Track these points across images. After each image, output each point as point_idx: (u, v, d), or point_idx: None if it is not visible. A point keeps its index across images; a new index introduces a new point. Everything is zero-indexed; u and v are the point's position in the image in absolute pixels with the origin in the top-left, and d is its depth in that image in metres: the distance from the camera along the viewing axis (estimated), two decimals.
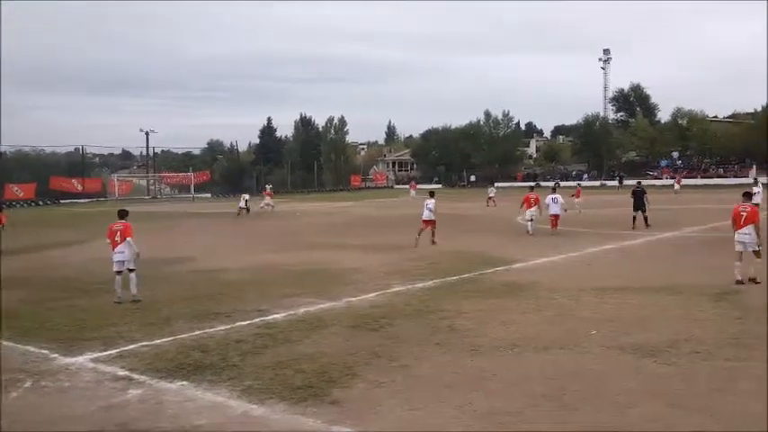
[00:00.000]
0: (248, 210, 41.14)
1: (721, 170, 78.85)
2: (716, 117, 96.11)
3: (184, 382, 7.58)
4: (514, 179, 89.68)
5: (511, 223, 29.32)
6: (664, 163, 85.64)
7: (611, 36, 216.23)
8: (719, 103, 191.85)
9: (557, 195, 24.75)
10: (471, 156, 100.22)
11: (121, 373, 8.07)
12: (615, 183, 73.81)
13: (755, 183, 35.12)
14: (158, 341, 9.55)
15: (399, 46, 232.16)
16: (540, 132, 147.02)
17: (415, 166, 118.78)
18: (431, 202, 21.68)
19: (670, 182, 60.72)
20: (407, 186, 67.44)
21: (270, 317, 10.96)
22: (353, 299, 12.46)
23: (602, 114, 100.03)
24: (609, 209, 35.75)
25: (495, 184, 48.30)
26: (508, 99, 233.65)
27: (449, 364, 8.08)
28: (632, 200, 25.42)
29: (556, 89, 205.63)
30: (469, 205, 44.49)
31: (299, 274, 15.94)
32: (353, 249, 20.74)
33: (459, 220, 32.36)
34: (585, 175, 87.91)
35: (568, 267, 16.15)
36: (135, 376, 7.90)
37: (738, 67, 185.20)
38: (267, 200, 44.55)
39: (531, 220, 23.97)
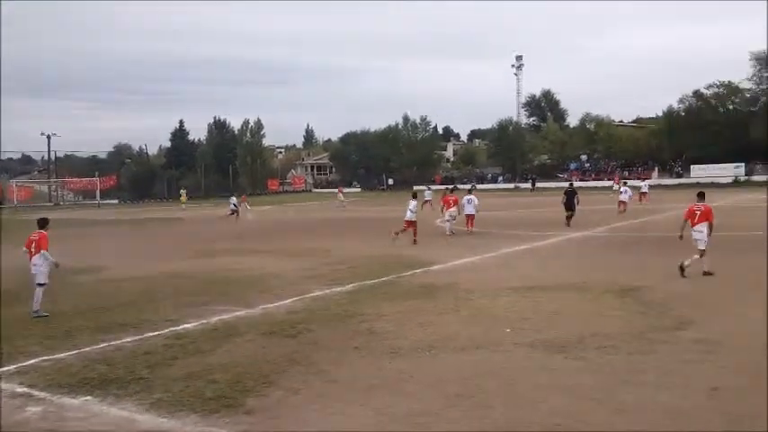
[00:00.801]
0: (237, 213, 40.48)
1: (626, 172, 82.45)
2: (621, 122, 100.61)
3: (88, 398, 7.22)
4: (433, 182, 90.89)
5: (430, 226, 29.67)
6: (573, 166, 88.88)
7: (525, 42, 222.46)
8: (624, 109, 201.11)
9: (472, 197, 25.90)
10: (390, 159, 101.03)
11: (20, 389, 7.61)
12: (528, 185, 76.19)
13: (624, 183, 37.07)
14: (61, 355, 9.07)
15: (317, 49, 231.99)
16: (458, 136, 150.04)
17: (333, 169, 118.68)
18: (413, 204, 22.62)
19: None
20: (335, 190, 67.32)
21: (180, 327, 10.58)
22: (270, 305, 12.22)
23: (515, 119, 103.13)
24: (523, 210, 36.75)
25: (431, 188, 49.07)
26: (426, 103, 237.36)
27: (367, 368, 8.06)
28: (564, 200, 26.84)
29: (472, 94, 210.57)
30: (390, 208, 44.73)
31: (212, 281, 15.54)
32: (270, 255, 20.48)
33: (380, 224, 32.48)
34: (501, 178, 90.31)
35: (485, 268, 16.46)
36: (35, 393, 7.47)
37: (642, 74, 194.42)
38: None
39: (449, 220, 24.92)
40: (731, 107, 79.26)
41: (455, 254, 18.73)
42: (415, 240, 22.01)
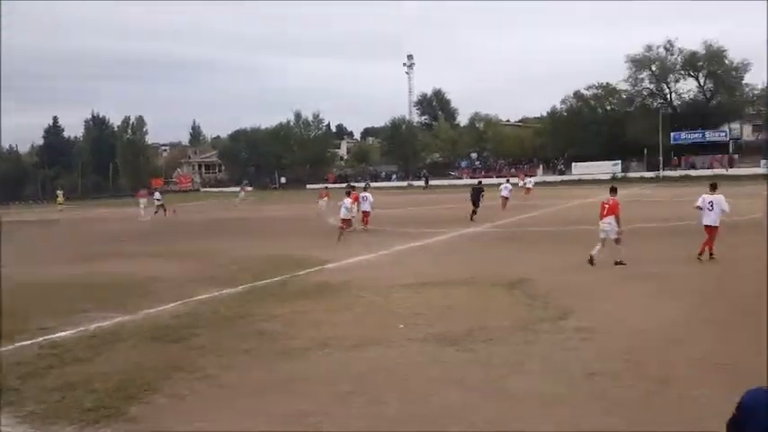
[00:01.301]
0: (165, 209, 39.81)
1: (513, 170, 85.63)
2: (508, 121, 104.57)
3: None
4: (326, 180, 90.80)
5: (324, 224, 29.64)
6: (464, 164, 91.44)
7: (417, 42, 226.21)
8: (511, 108, 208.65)
9: (367, 194, 26.69)
10: (282, 157, 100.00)
11: None
12: (422, 183, 77.59)
13: (507, 181, 38.72)
14: None
15: (207, 44, 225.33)
16: (351, 134, 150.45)
17: (223, 167, 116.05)
18: (347, 201, 23.01)
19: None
20: (226, 189, 65.96)
21: (56, 335, 9.95)
22: (153, 310, 11.71)
23: (408, 117, 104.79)
24: (416, 207, 37.35)
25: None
26: (319, 101, 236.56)
27: (257, 371, 7.93)
28: (471, 196, 28.64)
29: (365, 92, 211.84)
30: (284, 207, 44.29)
31: (90, 286, 14.70)
32: (154, 257, 19.75)
33: (273, 223, 32.14)
34: (394, 176, 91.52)
35: (378, 265, 16.60)
36: None
37: (528, 76, 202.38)
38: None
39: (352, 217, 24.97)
40: (609, 108, 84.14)
41: (349, 252, 18.79)
42: (339, 237, 21.97)
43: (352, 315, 10.78)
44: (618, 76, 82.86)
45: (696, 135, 73.58)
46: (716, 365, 7.28)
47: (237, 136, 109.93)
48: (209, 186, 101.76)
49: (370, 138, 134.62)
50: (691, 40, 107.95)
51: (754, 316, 9.41)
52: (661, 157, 70.00)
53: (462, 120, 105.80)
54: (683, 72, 79.10)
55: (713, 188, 15.53)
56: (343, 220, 22.81)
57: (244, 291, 13.36)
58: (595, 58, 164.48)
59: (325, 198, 37.81)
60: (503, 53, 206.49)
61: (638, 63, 79.25)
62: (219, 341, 9.36)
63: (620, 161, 74.13)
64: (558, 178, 74.01)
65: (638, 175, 70.09)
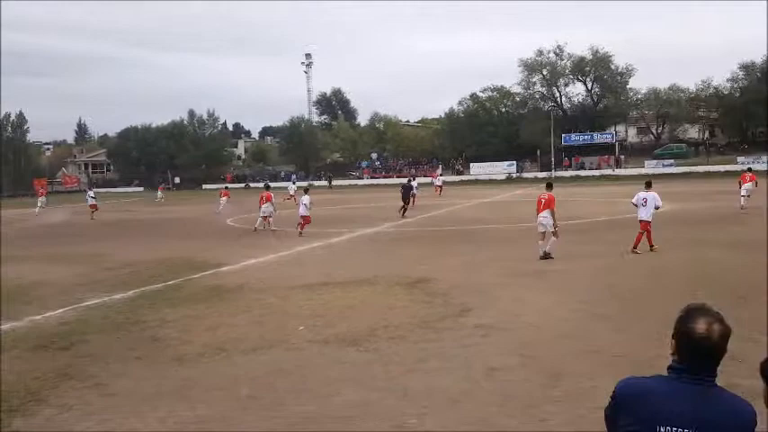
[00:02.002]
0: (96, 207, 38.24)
1: (413, 170, 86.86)
2: (408, 122, 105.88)
3: None
4: (223, 180, 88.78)
5: (221, 225, 28.96)
6: (364, 164, 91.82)
7: (315, 40, 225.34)
8: (410, 109, 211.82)
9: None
10: (176, 156, 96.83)
11: None
12: (325, 183, 77.22)
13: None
14: None
15: (96, 39, 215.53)
16: (249, 133, 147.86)
17: (111, 167, 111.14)
18: (306, 199, 23.45)
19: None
20: (114, 190, 63.91)
21: None
22: (38, 317, 11.02)
23: (307, 117, 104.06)
24: (318, 208, 36.96)
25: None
26: (215, 99, 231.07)
27: (150, 378, 7.57)
28: (401, 193, 30.17)
29: (263, 91, 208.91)
30: (180, 209, 42.89)
31: None
32: (38, 261, 18.56)
33: (167, 225, 31.04)
34: (294, 176, 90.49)
35: (278, 267, 16.29)
36: None
37: (426, 77, 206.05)
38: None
39: (264, 215, 25.31)
40: (504, 110, 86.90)
41: (246, 254, 18.35)
42: (300, 233, 22.67)
43: (250, 318, 10.49)
44: (512, 79, 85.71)
45: (585, 137, 77.11)
46: (609, 358, 7.55)
47: (127, 134, 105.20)
48: (98, 187, 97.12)
49: (269, 137, 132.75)
50: (580, 45, 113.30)
51: (642, 310, 9.88)
52: (553, 158, 72.92)
53: (362, 120, 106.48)
54: (572, 76, 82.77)
55: (648, 186, 16.49)
56: (303, 217, 23.28)
57: (135, 295, 12.77)
58: (492, 61, 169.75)
59: (225, 198, 37.12)
60: (402, 54, 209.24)
61: (530, 67, 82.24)
62: (110, 348, 8.91)
63: (515, 162, 76.64)
64: (457, 178, 75.62)
65: (531, 175, 72.71)
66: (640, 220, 16.02)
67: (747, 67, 73.21)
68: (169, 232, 26.89)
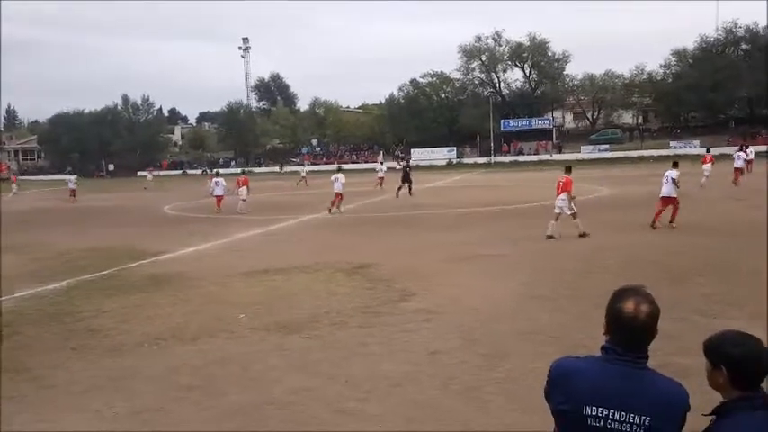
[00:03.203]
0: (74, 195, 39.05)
1: (354, 156, 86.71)
2: (348, 107, 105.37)
3: None
4: (160, 167, 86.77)
5: (159, 213, 28.33)
6: (305, 150, 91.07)
7: (253, 24, 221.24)
8: (351, 95, 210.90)
9: (220, 179, 28.37)
10: (110, 143, 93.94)
11: None
12: (267, 169, 76.05)
13: (382, 162, 40.07)
14: None
15: (25, 23, 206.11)
16: (185, 119, 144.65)
17: (43, 154, 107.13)
18: (341, 176, 25.40)
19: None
20: (46, 177, 61.90)
21: None
22: None
23: (245, 102, 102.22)
24: (262, 194, 36.52)
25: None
26: (149, 84, 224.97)
27: (87, 369, 7.39)
28: (402, 174, 32.02)
29: (200, 76, 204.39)
30: (115, 196, 41.72)
31: None
32: None
33: (104, 213, 30.16)
34: (233, 162, 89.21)
35: (217, 255, 16.02)
36: None
37: (367, 63, 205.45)
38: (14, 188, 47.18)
39: (244, 199, 26.61)
40: (443, 96, 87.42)
41: (185, 242, 17.99)
42: (330, 209, 24.54)
43: (190, 307, 10.29)
44: (452, 65, 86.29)
45: (524, 123, 78.33)
46: (548, 339, 7.71)
47: (58, 121, 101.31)
48: (30, 174, 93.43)
49: (207, 123, 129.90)
50: (518, 32, 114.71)
51: (581, 291, 10.11)
52: (492, 144, 73.85)
53: (302, 105, 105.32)
54: (510, 63, 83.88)
55: (675, 165, 17.32)
56: (337, 194, 24.91)
57: (70, 285, 12.39)
58: (433, 47, 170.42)
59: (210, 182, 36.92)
60: (343, 40, 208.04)
61: (469, 53, 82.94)
62: (45, 340, 8.67)
63: (455, 147, 77.31)
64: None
65: (471, 160, 73.54)
66: (662, 197, 16.71)
67: (680, 54, 75.56)
68: (104, 220, 26.11)
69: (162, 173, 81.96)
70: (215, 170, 41.60)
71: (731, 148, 47.58)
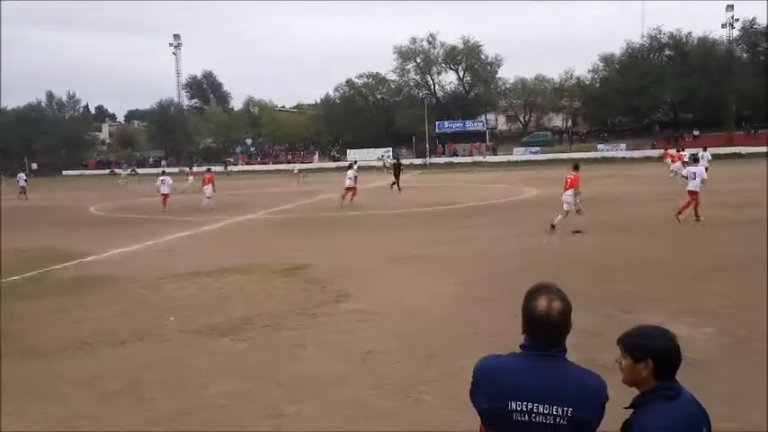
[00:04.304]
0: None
1: (290, 156, 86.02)
2: (283, 107, 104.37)
3: None
4: (86, 166, 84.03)
5: (85, 214, 27.43)
6: (239, 149, 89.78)
7: (186, 22, 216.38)
8: (286, 94, 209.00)
9: (166, 177, 28.51)
10: (33, 141, 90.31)
11: None
12: (220, 168, 73.89)
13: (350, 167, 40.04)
14: None
15: None
16: (113, 117, 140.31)
17: None
18: (350, 173, 27.23)
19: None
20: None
21: None
22: None
23: (176, 100, 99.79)
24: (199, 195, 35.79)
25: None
26: (75, 80, 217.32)
27: (9, 375, 7.05)
28: (393, 170, 34.59)
29: (129, 72, 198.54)
30: (40, 196, 40.06)
31: None
32: None
33: (26, 213, 28.97)
34: (164, 162, 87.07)
35: (146, 256, 15.59)
36: None
37: (303, 63, 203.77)
38: None
39: (210, 197, 26.86)
40: (379, 96, 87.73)
41: (113, 243, 17.42)
42: (341, 204, 25.79)
43: (118, 310, 9.98)
44: (388, 66, 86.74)
45: (458, 125, 79.38)
46: (483, 338, 7.78)
47: None
48: None
49: (136, 121, 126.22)
50: (452, 35, 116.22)
51: (516, 290, 10.26)
52: (427, 145, 74.53)
53: (236, 104, 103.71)
54: (444, 65, 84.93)
55: (695, 161, 18.50)
56: (347, 189, 26.67)
57: None
58: (368, 48, 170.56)
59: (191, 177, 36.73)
60: (279, 38, 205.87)
61: (405, 55, 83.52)
62: None
63: (391, 148, 77.67)
64: (333, 165, 75.60)
65: (407, 161, 74.07)
66: (689, 191, 17.37)
67: (607, 59, 78.07)
68: (28, 221, 25.05)
69: (87, 172, 79.54)
70: (161, 169, 41.88)
71: (656, 151, 49.51)
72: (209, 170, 30.30)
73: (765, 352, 6.92)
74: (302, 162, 76.45)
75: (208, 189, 27.02)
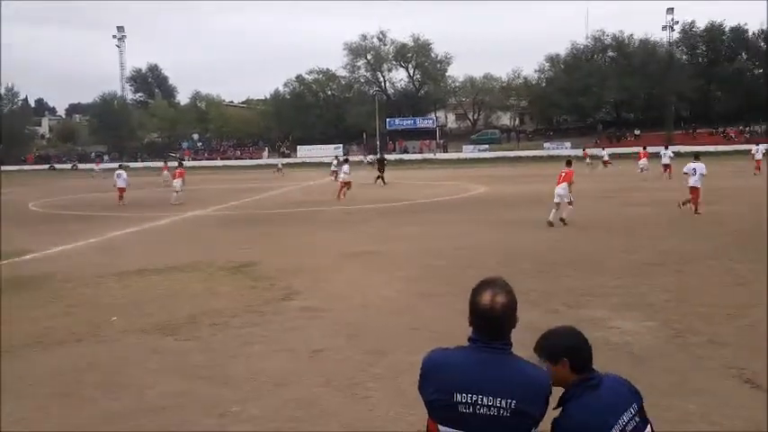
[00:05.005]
0: None
1: (239, 152, 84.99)
2: (232, 102, 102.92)
3: None
4: (25, 162, 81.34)
5: (23, 211, 26.55)
6: (185, 144, 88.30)
7: (130, 14, 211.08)
8: (234, 89, 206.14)
9: (122, 171, 29.02)
10: None
11: None
12: (141, 165, 72.89)
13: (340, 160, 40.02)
14: None
15: None
16: (54, 110, 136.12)
17: None
18: (346, 167, 28.66)
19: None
20: None
21: None
22: None
23: (120, 93, 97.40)
24: (138, 190, 35.01)
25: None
26: (15, 73, 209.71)
27: None
28: (377, 165, 37.17)
29: (69, 65, 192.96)
30: None
31: None
32: None
33: None
34: (107, 157, 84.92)
35: (89, 254, 15.12)
36: None
37: (252, 57, 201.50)
38: None
39: (178, 191, 27.47)
40: (330, 93, 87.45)
41: (52, 240, 16.89)
42: (339, 197, 26.86)
43: (57, 310, 9.63)
44: (338, 62, 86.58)
45: (408, 122, 79.83)
46: (430, 333, 7.80)
47: None
48: None
49: (77, 115, 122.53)
50: (402, 32, 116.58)
51: (460, 286, 10.32)
52: (378, 142, 74.66)
53: (182, 99, 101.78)
54: (395, 62, 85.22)
55: (696, 158, 19.48)
56: (343, 183, 27.69)
57: None
58: (319, 43, 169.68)
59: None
60: (226, 33, 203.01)
61: (355, 51, 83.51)
62: None
63: (341, 145, 77.52)
64: (284, 161, 74.97)
65: (358, 158, 73.99)
66: (690, 187, 18.48)
67: (553, 59, 79.57)
68: None
69: (27, 168, 77.05)
70: (119, 163, 41.64)
71: (600, 150, 50.69)
72: (180, 165, 31.28)
73: (702, 345, 7.15)
74: (251, 158, 75.71)
75: (177, 183, 27.68)
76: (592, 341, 2.71)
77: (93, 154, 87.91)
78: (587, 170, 33.69)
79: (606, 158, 44.60)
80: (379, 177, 35.63)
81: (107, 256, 14.64)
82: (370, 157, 56.73)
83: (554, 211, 17.19)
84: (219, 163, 76.77)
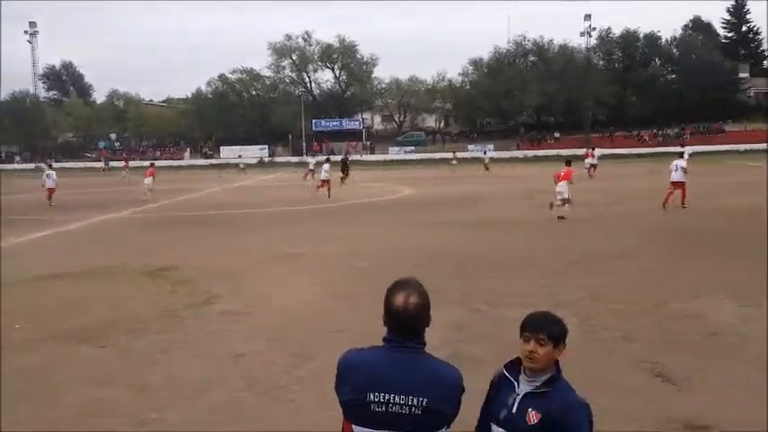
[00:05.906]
0: None
1: (158, 152, 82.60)
2: (151, 101, 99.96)
3: None
4: None
5: None
6: (102, 144, 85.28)
7: (43, 8, 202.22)
8: (154, 88, 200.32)
9: (51, 172, 28.74)
10: None
11: None
12: (100, 164, 68.57)
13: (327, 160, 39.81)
14: None
15: None
16: None
17: None
18: (326, 166, 29.01)
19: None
20: None
21: None
22: None
23: (32, 91, 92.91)
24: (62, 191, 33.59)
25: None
26: None
27: None
28: (341, 166, 37.07)
29: None
30: None
31: None
32: None
33: None
34: (18, 158, 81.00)
35: None
36: None
37: (172, 55, 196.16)
38: None
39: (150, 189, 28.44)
40: (254, 92, 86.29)
41: None
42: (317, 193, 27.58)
43: None
44: (262, 62, 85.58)
45: (335, 123, 79.68)
46: (351, 336, 7.79)
47: None
48: None
49: None
50: (327, 33, 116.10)
51: (380, 288, 10.36)
52: (304, 143, 74.20)
53: (99, 97, 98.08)
54: (320, 63, 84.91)
55: (680, 155, 20.79)
56: (322, 181, 28.29)
57: None
58: (242, 43, 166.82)
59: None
60: (146, 29, 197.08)
61: (280, 51, 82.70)
62: None
63: (266, 146, 76.59)
64: (206, 162, 73.39)
65: (284, 159, 73.28)
66: (672, 182, 19.64)
67: (476, 63, 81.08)
68: None
69: None
70: (48, 162, 40.43)
71: (520, 152, 52.07)
72: (152, 164, 33.16)
73: (616, 340, 7.45)
74: (171, 159, 73.86)
75: (147, 181, 29.07)
76: (512, 340, 2.77)
77: (3, 154, 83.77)
78: (584, 169, 35.55)
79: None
80: (344, 178, 35.93)
81: (16, 261, 13.91)
82: (315, 159, 55.59)
83: (561, 205, 18.26)
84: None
